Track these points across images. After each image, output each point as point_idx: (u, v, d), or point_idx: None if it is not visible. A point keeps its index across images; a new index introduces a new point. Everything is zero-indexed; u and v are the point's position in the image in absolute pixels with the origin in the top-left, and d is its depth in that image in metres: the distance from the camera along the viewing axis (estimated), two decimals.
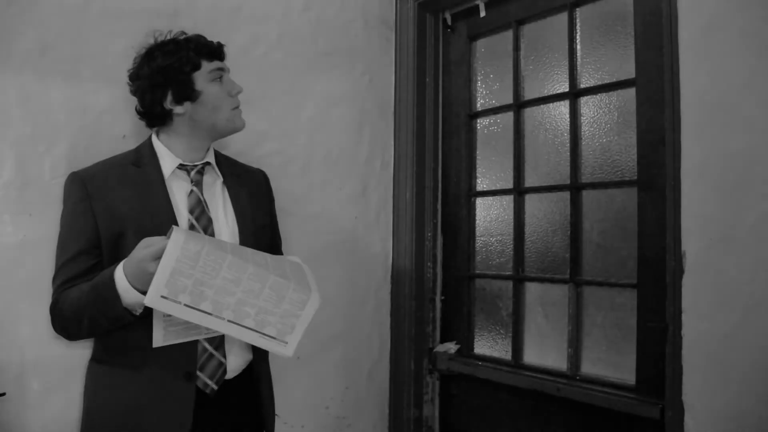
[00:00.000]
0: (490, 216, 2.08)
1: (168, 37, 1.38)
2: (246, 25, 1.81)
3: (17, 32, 1.41)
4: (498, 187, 2.06)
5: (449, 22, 2.17)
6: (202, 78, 1.36)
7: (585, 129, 1.81)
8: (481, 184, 2.12)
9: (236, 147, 1.78)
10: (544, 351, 1.88)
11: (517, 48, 1.97)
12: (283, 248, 1.84)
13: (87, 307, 1.20)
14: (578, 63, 1.82)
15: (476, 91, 2.14)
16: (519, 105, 1.97)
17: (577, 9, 1.83)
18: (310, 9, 1.96)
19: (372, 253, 2.12)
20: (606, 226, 1.74)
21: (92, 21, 1.52)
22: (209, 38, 1.41)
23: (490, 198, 2.08)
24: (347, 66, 2.06)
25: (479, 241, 2.10)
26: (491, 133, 2.09)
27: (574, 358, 1.77)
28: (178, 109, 1.35)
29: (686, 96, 1.41)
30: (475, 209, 2.12)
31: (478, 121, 2.13)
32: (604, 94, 1.76)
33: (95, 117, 1.52)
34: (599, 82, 1.77)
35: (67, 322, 1.27)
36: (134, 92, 1.40)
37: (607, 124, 1.76)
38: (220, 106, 1.38)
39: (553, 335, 1.86)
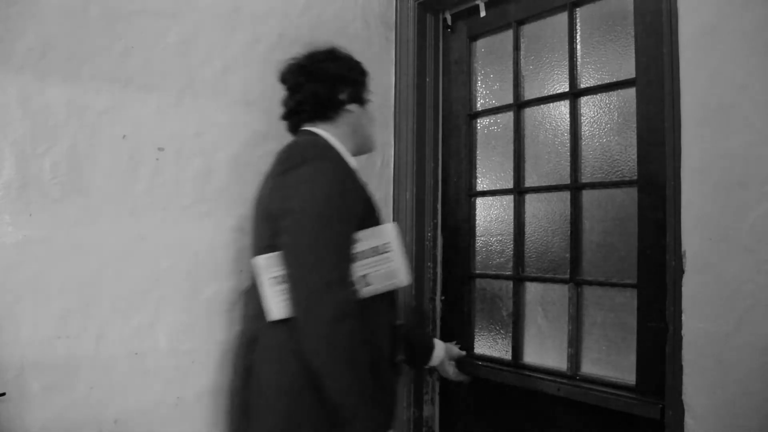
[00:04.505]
0: (491, 216, 2.08)
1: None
2: (246, 25, 1.81)
3: (17, 32, 1.41)
4: (498, 187, 2.06)
5: (449, 22, 2.17)
6: (366, 93, 1.45)
7: (585, 129, 1.81)
8: (481, 184, 2.11)
9: (237, 147, 1.78)
10: (544, 351, 1.88)
11: (517, 48, 1.97)
12: None
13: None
14: (578, 63, 1.82)
15: (476, 91, 2.14)
16: (519, 105, 1.97)
17: (577, 9, 1.82)
18: (310, 9, 1.96)
19: None
20: (606, 226, 1.74)
21: (92, 21, 1.52)
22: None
23: (490, 198, 2.08)
24: None
25: (479, 241, 2.10)
26: (491, 133, 2.09)
27: (575, 358, 1.77)
28: (350, 107, 1.39)
29: (686, 96, 1.41)
30: (475, 209, 2.12)
31: (479, 121, 2.13)
32: (604, 94, 1.76)
33: (95, 117, 1.52)
34: (599, 82, 1.77)
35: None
36: (304, 82, 1.38)
37: (607, 124, 1.76)
38: (374, 121, 1.47)
39: (553, 335, 1.86)
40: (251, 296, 1.28)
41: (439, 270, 2.17)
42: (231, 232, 1.76)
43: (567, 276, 1.80)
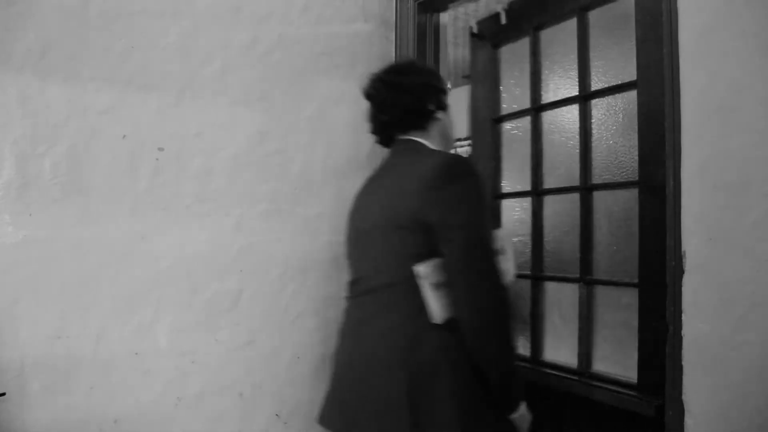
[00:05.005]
0: (513, 217, 2.13)
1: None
2: (246, 25, 1.81)
3: (17, 32, 1.41)
4: (519, 189, 2.10)
5: (475, 30, 2.20)
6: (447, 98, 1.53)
7: (594, 131, 1.84)
8: (505, 187, 2.16)
9: (237, 147, 1.78)
10: (558, 348, 1.92)
11: (534, 53, 2.00)
12: (284, 248, 1.85)
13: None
14: (589, 66, 1.85)
15: (501, 96, 2.18)
16: (536, 109, 2.00)
17: (587, 13, 1.85)
18: (310, 9, 1.97)
19: None
20: (612, 226, 1.77)
21: (92, 21, 1.52)
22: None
23: (512, 200, 2.12)
24: (347, 66, 2.06)
25: None
26: (513, 137, 2.14)
27: (585, 355, 1.79)
28: (440, 114, 1.47)
29: (686, 96, 1.41)
30: (500, 211, 2.15)
31: (503, 125, 2.17)
32: (610, 96, 1.79)
33: (95, 117, 1.52)
34: (606, 85, 1.80)
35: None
36: (394, 97, 1.45)
37: (613, 126, 1.78)
38: (454, 124, 1.55)
39: (566, 333, 1.89)
40: (389, 299, 1.32)
41: None
42: (231, 232, 1.76)
43: (577, 275, 1.82)
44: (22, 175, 1.41)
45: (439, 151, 1.41)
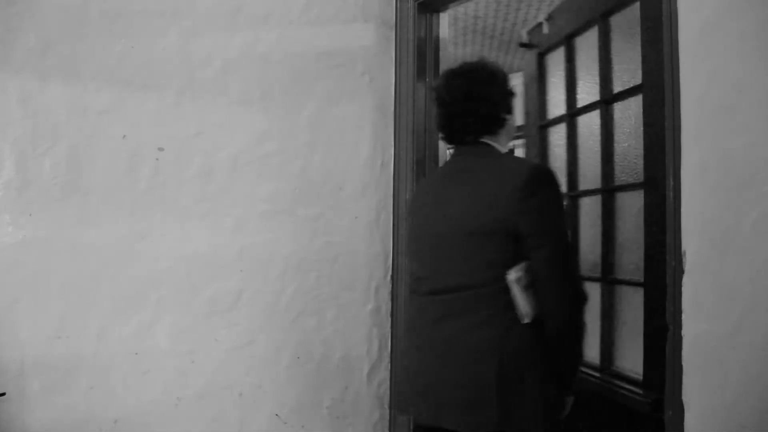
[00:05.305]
0: None
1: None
2: (246, 25, 1.81)
3: (18, 32, 1.41)
4: None
5: (525, 40, 2.28)
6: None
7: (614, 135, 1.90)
8: None
9: (237, 147, 1.78)
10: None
11: (568, 60, 2.06)
12: (283, 249, 1.85)
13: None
14: (612, 70, 1.89)
15: (547, 102, 2.25)
16: (571, 115, 2.05)
17: (609, 18, 1.89)
18: (310, 9, 1.96)
19: (372, 253, 2.11)
20: (627, 226, 1.82)
21: (92, 21, 1.52)
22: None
23: None
24: (347, 66, 2.06)
25: None
26: (554, 141, 2.23)
27: (606, 353, 1.85)
28: (508, 117, 1.52)
29: (686, 96, 1.41)
30: None
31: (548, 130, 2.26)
32: (624, 100, 1.84)
33: (95, 117, 1.52)
34: (621, 89, 1.84)
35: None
36: (470, 106, 1.47)
37: (627, 129, 1.83)
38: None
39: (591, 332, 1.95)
40: (476, 297, 1.41)
41: None
42: (231, 232, 1.76)
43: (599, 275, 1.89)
44: (22, 175, 1.41)
45: (520, 158, 1.57)
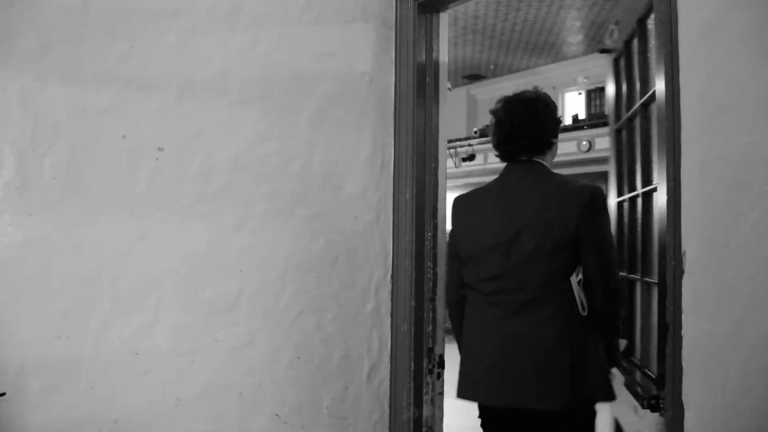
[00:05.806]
0: None
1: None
2: (246, 25, 1.81)
3: (17, 32, 1.41)
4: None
5: (606, 45, 2.40)
6: None
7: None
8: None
9: (237, 147, 1.78)
10: None
11: (628, 65, 2.14)
12: (283, 249, 1.85)
13: None
14: (651, 73, 1.91)
15: (623, 106, 2.31)
16: (630, 119, 2.07)
17: (645, 22, 1.92)
18: (310, 9, 1.97)
19: (372, 253, 2.12)
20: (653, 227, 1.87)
21: (92, 21, 1.52)
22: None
23: None
24: (347, 66, 2.06)
25: None
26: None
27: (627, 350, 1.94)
28: (555, 140, 1.79)
29: (686, 96, 1.41)
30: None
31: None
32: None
33: (95, 117, 1.52)
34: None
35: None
36: (529, 131, 1.72)
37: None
38: None
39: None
40: (543, 297, 1.66)
41: (439, 270, 2.18)
42: (231, 232, 1.76)
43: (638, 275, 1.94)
44: (22, 175, 1.41)
45: (576, 180, 1.74)
